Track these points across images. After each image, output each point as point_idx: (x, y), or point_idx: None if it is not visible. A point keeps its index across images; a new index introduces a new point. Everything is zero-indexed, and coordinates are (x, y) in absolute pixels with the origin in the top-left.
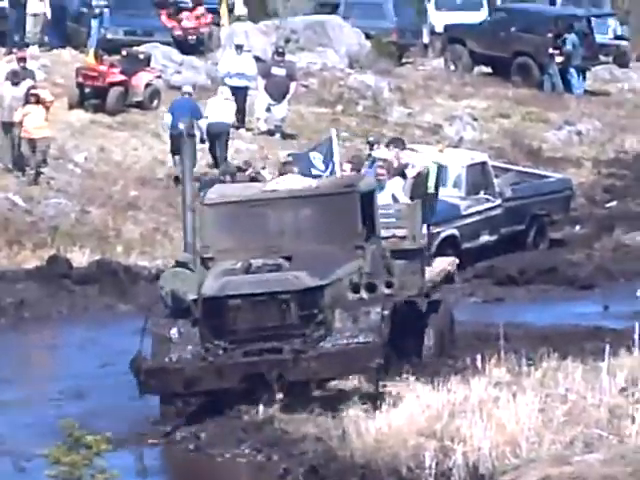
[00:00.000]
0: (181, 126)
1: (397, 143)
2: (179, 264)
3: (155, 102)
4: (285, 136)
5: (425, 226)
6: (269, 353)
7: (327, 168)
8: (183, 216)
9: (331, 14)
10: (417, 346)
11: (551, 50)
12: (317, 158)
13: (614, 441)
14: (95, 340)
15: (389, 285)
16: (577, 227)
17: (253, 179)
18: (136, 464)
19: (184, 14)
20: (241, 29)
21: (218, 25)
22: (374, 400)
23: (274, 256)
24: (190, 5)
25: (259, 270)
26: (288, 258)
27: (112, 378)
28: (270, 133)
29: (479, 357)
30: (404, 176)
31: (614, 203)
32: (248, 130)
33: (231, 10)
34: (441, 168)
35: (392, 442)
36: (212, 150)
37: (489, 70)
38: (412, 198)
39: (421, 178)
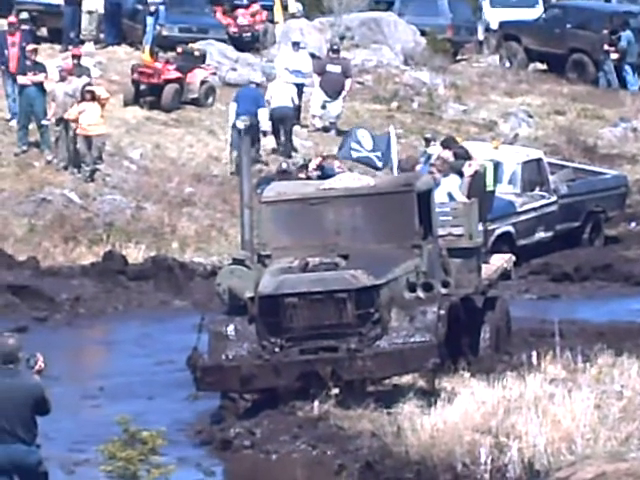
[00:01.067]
0: (239, 124)
1: (449, 142)
2: (236, 261)
3: (210, 99)
4: (340, 133)
5: (481, 224)
6: (325, 351)
7: (385, 164)
8: (241, 213)
9: (386, 11)
10: (474, 343)
11: (606, 47)
12: (365, 137)
13: None
14: (150, 336)
15: (445, 285)
16: (633, 224)
17: (309, 177)
18: (190, 461)
19: (239, 11)
20: (296, 26)
21: (273, 22)
22: (429, 396)
23: (331, 254)
24: (245, 2)
25: (316, 268)
26: (345, 257)
27: (167, 375)
28: (325, 130)
29: (534, 354)
30: (461, 174)
31: None
32: (303, 127)
33: (285, 7)
34: (498, 165)
35: (447, 438)
36: (276, 135)
37: (544, 67)
38: (469, 196)
39: (478, 176)
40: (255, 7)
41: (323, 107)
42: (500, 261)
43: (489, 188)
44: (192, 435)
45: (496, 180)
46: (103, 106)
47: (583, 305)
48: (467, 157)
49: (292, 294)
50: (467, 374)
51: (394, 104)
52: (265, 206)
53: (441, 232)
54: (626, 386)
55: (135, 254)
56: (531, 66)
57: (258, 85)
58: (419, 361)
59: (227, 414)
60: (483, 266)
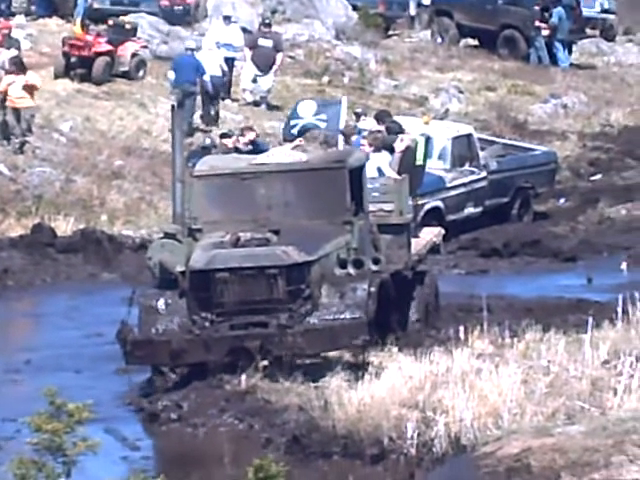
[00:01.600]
0: (173, 98)
1: (383, 116)
2: (167, 235)
3: (141, 72)
4: (271, 107)
5: (411, 198)
6: (255, 327)
7: (330, 129)
8: (172, 187)
9: None
10: (403, 319)
11: (538, 23)
12: (306, 106)
13: (596, 413)
14: (78, 309)
15: (376, 261)
16: (562, 200)
17: (237, 149)
18: (116, 434)
19: None
20: (228, 0)
21: None
22: (356, 371)
23: (262, 230)
24: None
25: (248, 244)
26: (276, 232)
27: (95, 348)
28: (256, 104)
29: (462, 328)
30: (392, 149)
31: (599, 176)
32: (234, 101)
33: None
34: (429, 140)
35: (374, 413)
36: (203, 105)
37: (476, 43)
38: (400, 172)
39: (410, 151)
40: None
41: (254, 81)
42: (429, 235)
43: (419, 162)
44: (119, 408)
45: (426, 155)
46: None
47: (511, 281)
48: (400, 131)
49: (223, 269)
50: (395, 348)
51: (325, 79)
52: (197, 180)
53: (371, 208)
54: (553, 361)
55: (64, 227)
56: (462, 42)
57: (193, 51)
58: (349, 338)
59: (155, 387)
60: (413, 241)
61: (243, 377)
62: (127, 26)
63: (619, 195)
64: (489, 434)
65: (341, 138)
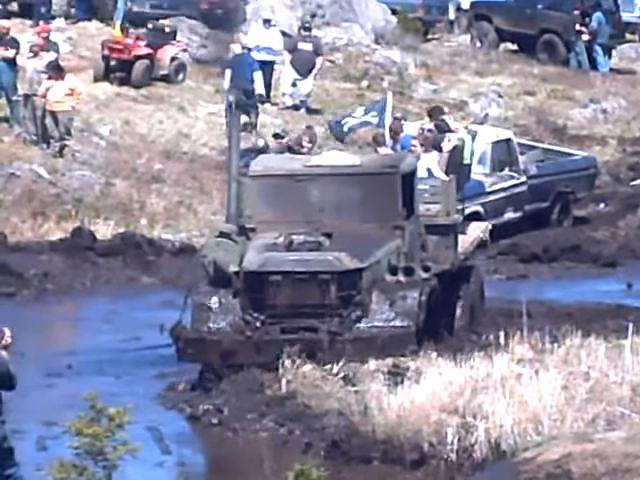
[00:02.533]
0: (230, 97)
1: (436, 112)
2: (222, 234)
3: (180, 76)
4: (310, 111)
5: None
6: (305, 331)
7: (379, 123)
8: (228, 186)
9: None
10: (449, 319)
11: (578, 27)
12: (356, 111)
13: (636, 419)
14: (118, 312)
15: (426, 269)
16: (601, 205)
17: (290, 148)
18: (157, 439)
19: None
20: (267, 3)
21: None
22: (396, 375)
23: (315, 233)
24: None
25: (301, 247)
26: (329, 235)
27: (135, 352)
28: (295, 108)
29: (502, 334)
30: (440, 149)
31: (638, 181)
32: (274, 105)
33: None
34: (475, 138)
35: (414, 418)
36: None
37: (515, 47)
38: (447, 171)
39: (457, 151)
40: None
41: (294, 85)
42: (477, 231)
43: (466, 161)
44: (160, 412)
45: (473, 153)
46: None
47: (551, 286)
48: (448, 130)
49: (276, 272)
50: (434, 354)
51: (364, 83)
52: (251, 180)
53: (420, 208)
54: (593, 367)
55: (104, 230)
56: (502, 46)
57: (250, 50)
58: (397, 347)
59: (204, 385)
60: (460, 238)
61: (283, 382)
62: (166, 29)
63: None
64: (529, 440)
65: (388, 135)
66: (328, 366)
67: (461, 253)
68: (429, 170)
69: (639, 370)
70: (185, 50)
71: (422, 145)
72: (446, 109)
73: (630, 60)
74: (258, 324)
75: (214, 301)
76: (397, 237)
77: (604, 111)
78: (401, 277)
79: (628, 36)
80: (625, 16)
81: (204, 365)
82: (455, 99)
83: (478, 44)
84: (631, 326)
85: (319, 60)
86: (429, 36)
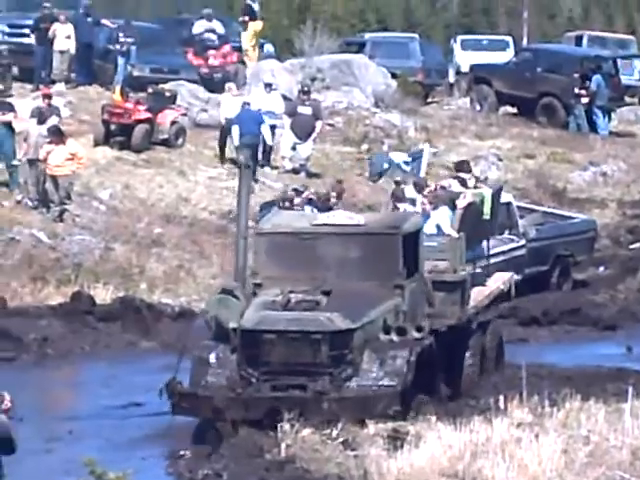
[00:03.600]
0: (241, 158)
1: (463, 166)
2: (225, 291)
3: (180, 140)
4: (310, 175)
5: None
6: (295, 389)
7: (415, 171)
8: (236, 243)
9: (357, 53)
10: (457, 371)
11: (577, 90)
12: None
13: None
14: (117, 377)
15: (419, 329)
16: (601, 268)
17: (311, 200)
18: None
19: (210, 52)
20: (268, 67)
21: (244, 63)
22: (396, 440)
23: (315, 290)
24: (216, 43)
25: (297, 306)
26: (328, 293)
27: (134, 417)
28: (295, 171)
29: (502, 397)
30: (454, 206)
31: (638, 244)
32: (273, 168)
33: (262, 46)
34: (499, 192)
35: None
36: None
37: (514, 110)
38: (461, 228)
39: (473, 207)
40: (226, 48)
41: (293, 149)
42: (497, 282)
43: (486, 216)
44: (160, 477)
45: (494, 208)
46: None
47: (551, 349)
48: (465, 186)
49: (270, 331)
50: (433, 418)
51: (364, 146)
52: (260, 237)
53: (427, 265)
54: (593, 431)
55: (103, 295)
56: (501, 109)
57: (249, 105)
58: (381, 408)
59: (195, 455)
60: (476, 290)
61: (283, 446)
62: (167, 94)
63: None
64: None
65: (411, 189)
66: (327, 430)
67: (472, 307)
68: (438, 227)
69: (639, 434)
70: (185, 114)
71: (431, 203)
72: (446, 172)
73: (629, 123)
74: (253, 380)
75: (212, 356)
76: (397, 296)
77: (604, 174)
78: (394, 337)
79: (627, 99)
80: (624, 79)
81: (201, 421)
82: (455, 162)
83: (478, 107)
84: (631, 390)
85: (319, 124)
86: (429, 99)
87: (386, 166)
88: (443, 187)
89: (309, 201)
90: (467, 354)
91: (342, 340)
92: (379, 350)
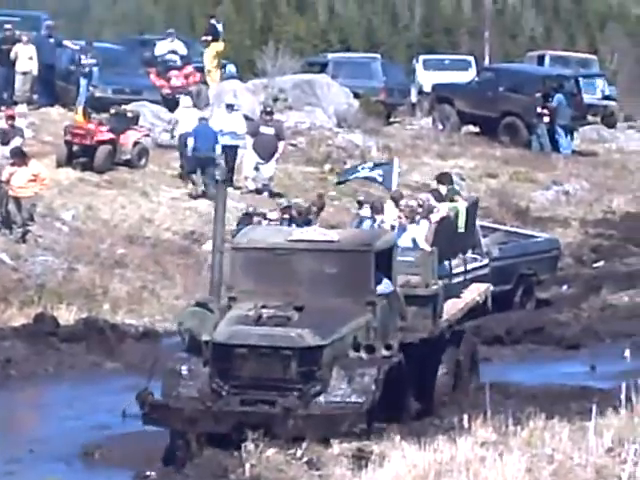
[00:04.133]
0: (217, 175)
1: (445, 179)
2: (199, 304)
3: (143, 160)
4: (273, 195)
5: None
6: (264, 404)
7: (386, 185)
8: (212, 257)
9: (319, 73)
10: (430, 383)
11: (539, 110)
12: (366, 168)
13: None
14: (82, 398)
15: (388, 347)
16: (564, 287)
17: (292, 217)
18: None
19: (173, 73)
20: (230, 88)
21: (207, 84)
22: (360, 459)
23: (288, 306)
24: (179, 64)
25: (268, 322)
26: (300, 308)
27: (98, 438)
28: (258, 192)
29: (466, 416)
30: (429, 221)
31: (601, 263)
32: (236, 189)
33: (224, 66)
34: (475, 205)
35: None
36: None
37: (477, 130)
38: (435, 242)
39: (448, 221)
40: (189, 69)
41: (256, 169)
42: (472, 294)
43: (460, 230)
44: None
45: (471, 220)
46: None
47: (515, 368)
48: (441, 200)
49: (242, 345)
50: (397, 437)
51: (327, 166)
52: (235, 252)
53: (400, 279)
54: (557, 449)
55: (67, 316)
56: (464, 129)
57: (207, 120)
58: (347, 426)
59: (160, 476)
60: (450, 302)
61: (247, 466)
62: (129, 114)
63: (621, 282)
64: None
65: (391, 204)
66: (292, 450)
67: (445, 320)
68: (414, 241)
69: (603, 452)
70: (148, 135)
71: (407, 217)
72: (409, 192)
73: (592, 142)
74: (223, 393)
75: (184, 368)
76: (368, 312)
77: (566, 193)
78: (363, 354)
79: (590, 118)
80: (587, 98)
81: (172, 433)
82: (417, 182)
83: (440, 127)
84: (595, 408)
85: (281, 144)
86: (391, 119)
87: (351, 178)
88: (420, 204)
89: (290, 218)
90: (440, 367)
91: (311, 356)
92: (348, 367)
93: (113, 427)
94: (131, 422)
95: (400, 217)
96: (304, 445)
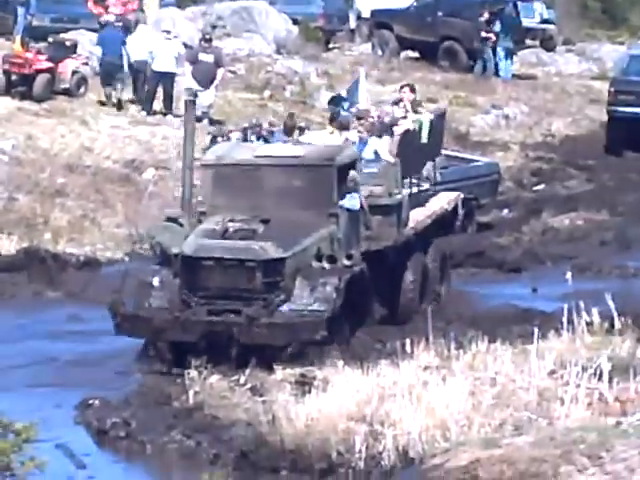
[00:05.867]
0: (185, 96)
1: (408, 87)
2: (169, 219)
3: (82, 89)
4: (212, 122)
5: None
6: (229, 313)
7: (350, 104)
8: (182, 174)
9: (258, 0)
10: (397, 290)
11: (484, 34)
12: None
13: (543, 423)
14: (24, 327)
15: (349, 257)
16: (505, 211)
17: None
18: (69, 454)
19: (110, 1)
20: (168, 15)
21: (144, 11)
22: (304, 385)
23: (254, 219)
24: None
25: (234, 235)
26: (267, 221)
27: (41, 367)
28: (197, 119)
29: (408, 341)
30: (392, 133)
31: (542, 186)
32: (176, 117)
33: None
34: (442, 116)
35: (322, 427)
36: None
37: (416, 55)
38: (399, 154)
39: (411, 133)
40: None
41: (195, 96)
42: (439, 203)
43: (424, 141)
44: (68, 426)
45: (432, 132)
46: None
47: (457, 292)
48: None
49: (207, 258)
50: (340, 362)
51: (267, 93)
52: (204, 168)
53: (364, 190)
54: (499, 372)
55: (7, 245)
56: (403, 54)
57: (120, 28)
58: (309, 333)
59: (103, 404)
60: (416, 210)
61: (191, 393)
62: (67, 43)
63: (562, 205)
64: (437, 446)
65: (356, 122)
66: (235, 377)
67: (411, 228)
68: (376, 153)
69: (545, 375)
70: (86, 64)
71: (368, 131)
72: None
73: (531, 65)
74: (192, 304)
75: (156, 280)
76: (331, 224)
77: (506, 117)
78: (325, 264)
79: (528, 42)
80: (525, 22)
81: (146, 342)
82: (357, 107)
83: (379, 52)
84: (536, 331)
85: (220, 71)
86: (330, 45)
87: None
88: (379, 118)
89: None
90: (406, 273)
91: (274, 268)
92: (310, 277)
93: (56, 354)
94: (75, 348)
95: (360, 131)
96: (247, 371)
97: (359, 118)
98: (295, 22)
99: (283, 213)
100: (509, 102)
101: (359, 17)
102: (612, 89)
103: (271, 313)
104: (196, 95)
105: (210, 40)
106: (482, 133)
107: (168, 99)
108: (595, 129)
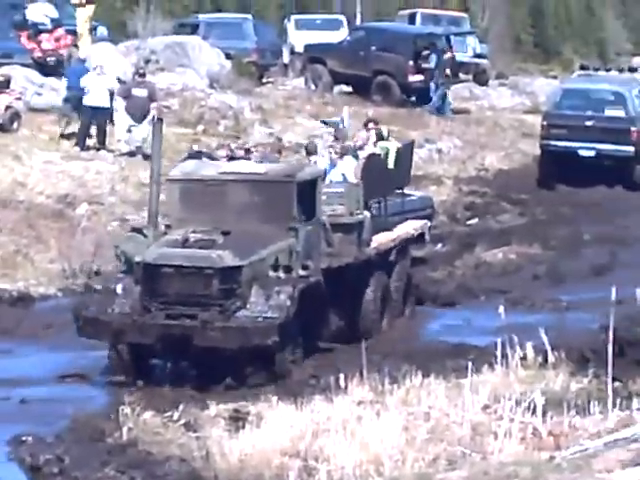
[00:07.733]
0: (153, 112)
1: (371, 122)
2: (134, 230)
3: (15, 124)
4: (146, 157)
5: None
6: (186, 318)
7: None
8: (150, 188)
9: (191, 34)
10: (357, 306)
11: (448, 72)
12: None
13: (477, 458)
14: None
15: (305, 267)
16: (439, 245)
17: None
18: None
19: (43, 36)
20: (101, 50)
21: (77, 47)
22: (237, 420)
23: (215, 230)
24: (49, 27)
25: (194, 244)
26: (227, 233)
27: None
28: (131, 154)
29: (342, 376)
30: (357, 157)
31: (475, 220)
32: (109, 152)
33: (94, 29)
34: (411, 147)
35: (256, 462)
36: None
37: (349, 89)
38: (363, 177)
39: (376, 158)
40: (59, 31)
41: (129, 131)
42: (405, 229)
43: (390, 166)
44: (2, 462)
45: (399, 161)
46: None
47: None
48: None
49: (167, 265)
50: (274, 398)
51: (200, 127)
52: (170, 183)
53: (328, 209)
54: (433, 407)
55: None
56: (336, 88)
57: (84, 62)
58: (261, 337)
59: (36, 440)
60: (381, 235)
61: (124, 429)
62: (0, 78)
63: (495, 239)
64: None
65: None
66: (169, 413)
67: (374, 248)
68: (344, 175)
69: (479, 409)
70: (19, 98)
71: (337, 153)
72: (283, 153)
73: (464, 100)
74: (152, 309)
75: (119, 287)
76: (290, 237)
77: (439, 151)
78: (281, 274)
79: (462, 76)
80: (458, 56)
81: (110, 346)
82: (291, 142)
83: (312, 87)
84: (470, 365)
85: (154, 106)
86: (264, 80)
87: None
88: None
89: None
90: (367, 291)
91: (231, 275)
92: (266, 286)
93: None
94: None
95: (330, 153)
96: (181, 407)
97: (336, 138)
98: (228, 57)
99: (244, 226)
100: (442, 136)
101: (292, 52)
102: (545, 123)
103: (227, 318)
104: (129, 130)
105: (144, 75)
106: (415, 167)
107: (101, 134)
108: (528, 163)
